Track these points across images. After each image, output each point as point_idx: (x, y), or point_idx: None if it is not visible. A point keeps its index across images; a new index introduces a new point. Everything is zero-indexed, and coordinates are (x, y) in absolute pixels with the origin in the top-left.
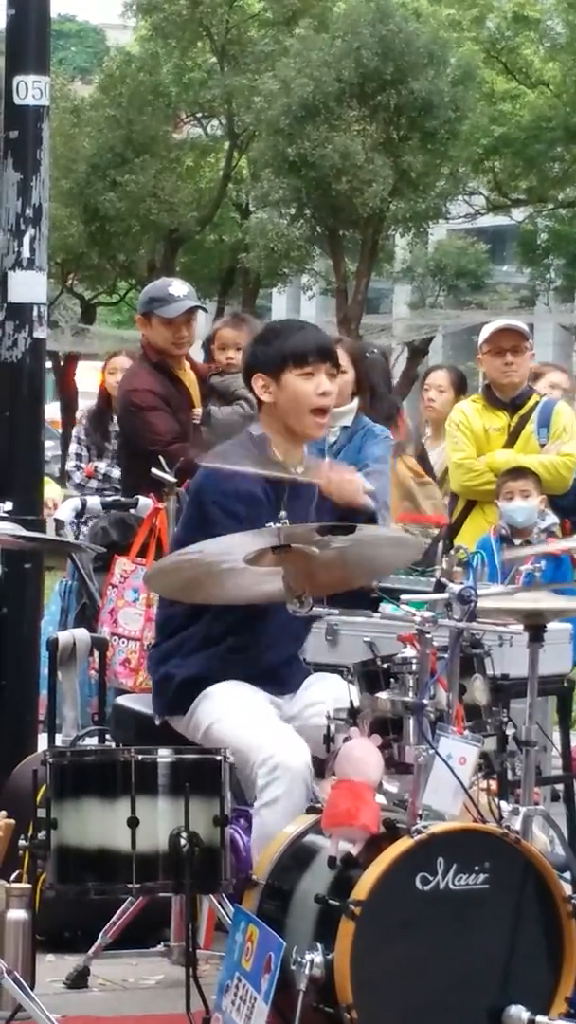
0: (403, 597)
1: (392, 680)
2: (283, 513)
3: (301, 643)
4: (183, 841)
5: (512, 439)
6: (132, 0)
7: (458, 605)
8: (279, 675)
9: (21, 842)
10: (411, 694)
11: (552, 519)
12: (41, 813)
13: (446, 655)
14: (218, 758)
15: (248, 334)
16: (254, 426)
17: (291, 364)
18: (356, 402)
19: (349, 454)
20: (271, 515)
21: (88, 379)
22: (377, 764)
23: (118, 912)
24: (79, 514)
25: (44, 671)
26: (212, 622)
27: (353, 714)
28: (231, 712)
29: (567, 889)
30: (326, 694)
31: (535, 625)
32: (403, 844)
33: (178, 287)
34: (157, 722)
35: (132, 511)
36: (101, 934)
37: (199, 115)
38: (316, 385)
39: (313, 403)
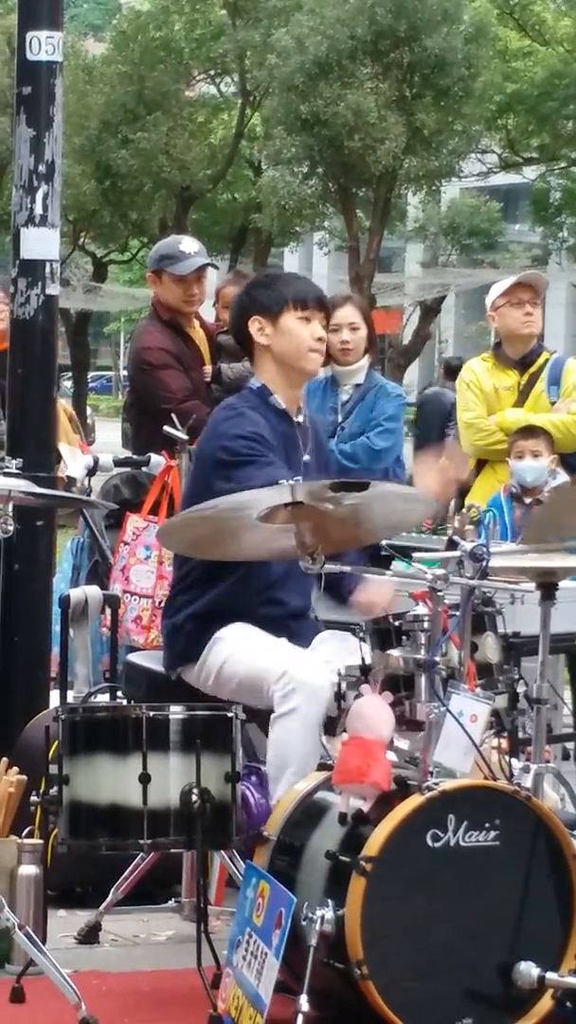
0: (415, 555)
1: (404, 637)
2: (306, 457)
3: (308, 597)
4: (194, 797)
5: (522, 398)
6: None
7: (470, 563)
8: (288, 626)
9: (33, 798)
10: (423, 651)
11: (563, 478)
12: (53, 769)
13: (458, 613)
14: (229, 714)
15: None
16: (252, 380)
17: (292, 307)
18: (367, 360)
19: (362, 412)
20: (281, 454)
21: None
22: (388, 721)
23: (129, 868)
24: (91, 471)
25: (56, 628)
26: (216, 565)
27: (365, 671)
28: (243, 647)
29: None
30: (337, 652)
31: (547, 583)
32: (414, 801)
33: (188, 244)
34: (173, 677)
35: (144, 468)
36: (112, 890)
37: (211, 72)
38: (312, 331)
39: (310, 346)
